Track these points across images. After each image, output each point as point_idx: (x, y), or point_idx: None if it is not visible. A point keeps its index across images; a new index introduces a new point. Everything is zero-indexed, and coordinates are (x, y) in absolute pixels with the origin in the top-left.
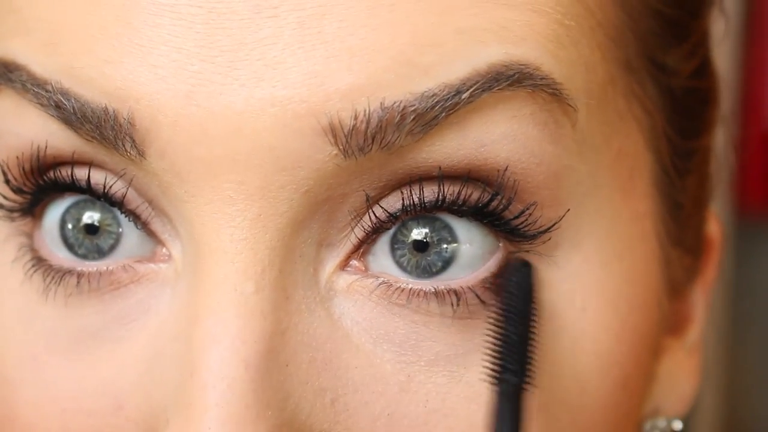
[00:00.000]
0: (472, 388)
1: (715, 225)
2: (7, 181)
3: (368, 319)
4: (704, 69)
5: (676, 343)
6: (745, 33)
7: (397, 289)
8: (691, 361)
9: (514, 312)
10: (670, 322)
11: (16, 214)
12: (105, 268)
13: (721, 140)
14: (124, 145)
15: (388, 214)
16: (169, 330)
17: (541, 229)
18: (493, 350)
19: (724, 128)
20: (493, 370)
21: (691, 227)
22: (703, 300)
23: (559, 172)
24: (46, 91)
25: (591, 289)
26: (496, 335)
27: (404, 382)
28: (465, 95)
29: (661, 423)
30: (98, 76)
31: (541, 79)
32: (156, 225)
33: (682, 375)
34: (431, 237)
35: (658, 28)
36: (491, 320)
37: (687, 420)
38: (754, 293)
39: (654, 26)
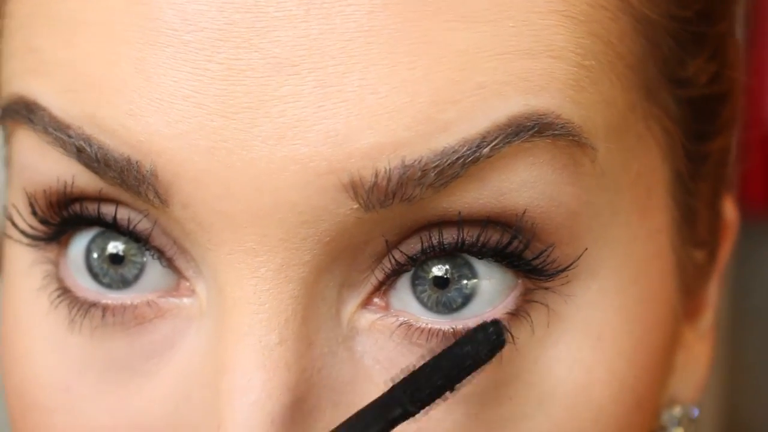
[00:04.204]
0: (489, 426)
1: (731, 207)
2: (34, 213)
3: (389, 358)
4: (722, 71)
5: (690, 331)
6: (746, 33)
7: (417, 329)
8: (704, 347)
9: (456, 362)
10: (684, 317)
11: (41, 243)
12: (129, 302)
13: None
14: (147, 194)
15: (407, 257)
16: (196, 373)
17: (559, 268)
18: (414, 374)
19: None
20: (397, 388)
21: (706, 223)
22: (716, 284)
23: (578, 210)
24: (68, 136)
25: (607, 317)
26: (426, 366)
27: (423, 420)
28: (485, 150)
29: (677, 412)
30: (120, 128)
31: (561, 126)
32: (180, 262)
33: (695, 362)
34: (452, 273)
35: (678, 46)
36: (436, 352)
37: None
38: (754, 294)
39: (673, 45)
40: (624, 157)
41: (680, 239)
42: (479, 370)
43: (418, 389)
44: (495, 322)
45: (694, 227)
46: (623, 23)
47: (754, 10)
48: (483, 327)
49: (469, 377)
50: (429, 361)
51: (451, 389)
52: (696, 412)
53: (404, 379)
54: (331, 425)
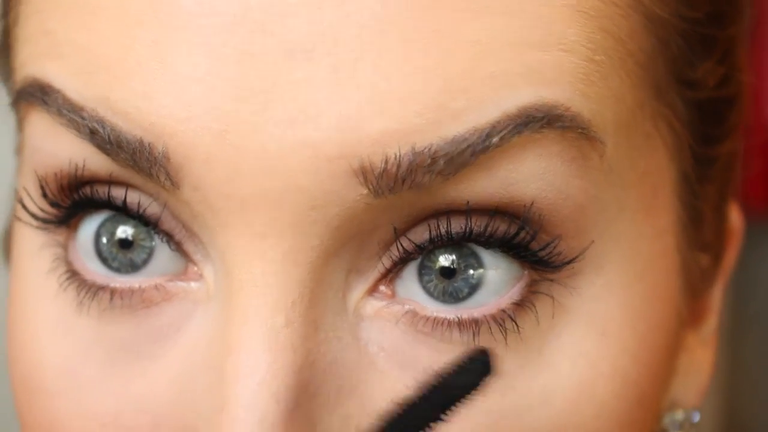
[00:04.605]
0: (491, 417)
1: (736, 214)
2: (45, 195)
3: (394, 345)
4: (731, 74)
5: (693, 336)
6: (746, 33)
7: (422, 317)
8: (706, 352)
9: (441, 390)
10: (687, 320)
11: (51, 226)
12: (137, 285)
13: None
14: (158, 176)
15: (415, 245)
16: (202, 355)
17: (565, 260)
18: (404, 406)
19: None
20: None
21: (711, 227)
22: (720, 290)
23: (585, 203)
24: (82, 117)
25: (611, 312)
26: (416, 397)
27: None
28: (495, 139)
29: (679, 416)
30: (133, 110)
31: (571, 119)
32: (189, 246)
33: (697, 367)
34: (458, 263)
35: (687, 47)
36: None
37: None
38: (754, 295)
39: (683, 46)
40: (631, 154)
41: (686, 241)
42: (466, 398)
43: (412, 418)
44: (483, 351)
45: (699, 230)
46: (634, 21)
47: (754, 13)
48: (471, 356)
49: (456, 406)
50: (418, 391)
51: (441, 417)
52: (697, 417)
53: (395, 413)
54: (334, 409)
